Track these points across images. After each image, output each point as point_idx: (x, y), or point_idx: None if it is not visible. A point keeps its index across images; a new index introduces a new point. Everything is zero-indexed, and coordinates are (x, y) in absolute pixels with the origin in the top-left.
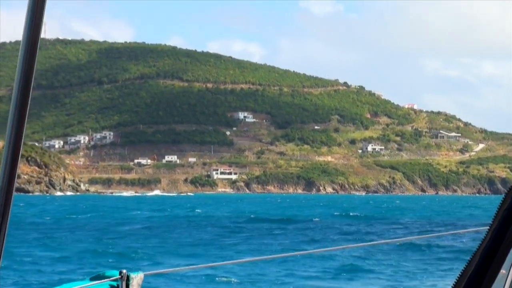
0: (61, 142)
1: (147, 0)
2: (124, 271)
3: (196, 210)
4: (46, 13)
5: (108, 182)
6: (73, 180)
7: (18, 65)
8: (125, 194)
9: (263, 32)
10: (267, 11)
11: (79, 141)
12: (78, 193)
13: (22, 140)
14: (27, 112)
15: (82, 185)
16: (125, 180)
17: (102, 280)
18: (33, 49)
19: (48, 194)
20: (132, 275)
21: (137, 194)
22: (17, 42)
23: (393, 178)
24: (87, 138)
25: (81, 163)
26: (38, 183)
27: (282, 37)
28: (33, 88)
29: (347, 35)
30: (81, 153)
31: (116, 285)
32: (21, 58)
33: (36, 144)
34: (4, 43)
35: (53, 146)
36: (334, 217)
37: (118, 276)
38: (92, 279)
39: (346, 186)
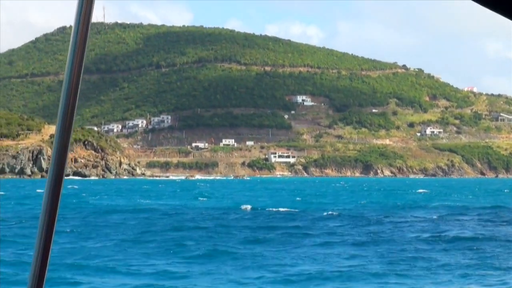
0: (119, 126)
1: None
2: None
3: (199, 199)
4: None
5: (165, 166)
6: (129, 164)
7: (69, 53)
8: (175, 178)
9: (322, 14)
10: None
11: (137, 125)
12: (133, 177)
13: (72, 128)
14: (77, 101)
15: (138, 169)
16: (183, 164)
17: None
18: (84, 38)
19: (104, 178)
20: None
21: (191, 178)
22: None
23: (452, 161)
24: (145, 122)
25: (139, 147)
26: (94, 167)
27: (340, 19)
28: (92, 72)
29: (406, 17)
30: (139, 137)
31: None
32: (72, 47)
33: (95, 128)
34: (64, 27)
35: (112, 130)
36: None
37: None
38: None
39: (404, 169)
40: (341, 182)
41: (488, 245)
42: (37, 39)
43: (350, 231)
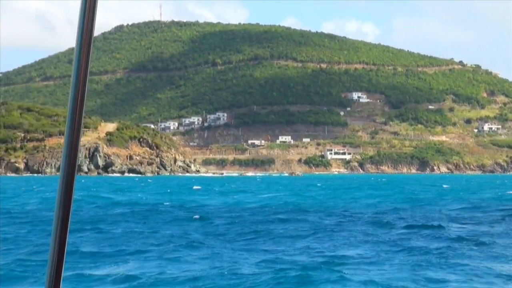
0: (176, 124)
1: None
2: None
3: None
4: None
5: (222, 163)
6: (184, 161)
7: (75, 52)
8: (229, 174)
9: (377, 11)
10: None
11: (193, 123)
12: (188, 174)
13: (82, 125)
14: (85, 103)
15: (192, 166)
16: (239, 161)
17: None
18: (88, 40)
19: (159, 175)
20: None
21: (245, 175)
22: (133, 25)
23: (511, 157)
24: (201, 119)
25: (195, 144)
26: (149, 164)
27: (396, 16)
28: (149, 70)
29: (463, 13)
30: (195, 135)
31: None
32: (77, 49)
33: (152, 125)
34: (121, 26)
35: (168, 127)
36: None
37: None
38: None
39: (461, 165)
40: (371, 179)
41: None
42: (95, 38)
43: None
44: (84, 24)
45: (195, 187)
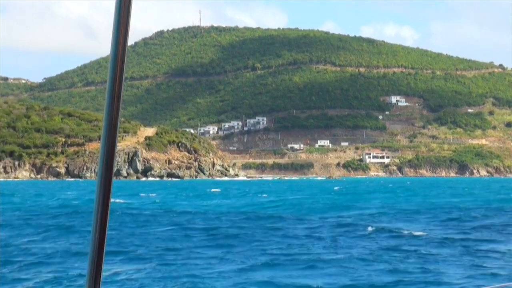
0: (215, 128)
1: None
2: None
3: (263, 195)
4: (202, 1)
5: (261, 167)
6: (222, 165)
7: (111, 55)
8: (268, 178)
9: (415, 15)
10: None
11: (233, 127)
12: (226, 178)
13: (118, 129)
14: (120, 107)
15: (231, 169)
16: (278, 165)
17: None
18: (123, 45)
19: (197, 179)
20: None
21: (283, 179)
22: (173, 31)
23: None
24: (240, 124)
25: (235, 148)
26: (188, 168)
27: (434, 20)
28: (189, 75)
29: (503, 16)
30: (235, 139)
31: None
32: (113, 49)
33: (192, 130)
34: (161, 32)
35: (208, 132)
36: None
37: None
38: None
39: (502, 169)
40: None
41: None
42: (136, 44)
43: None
44: (119, 30)
45: (213, 190)
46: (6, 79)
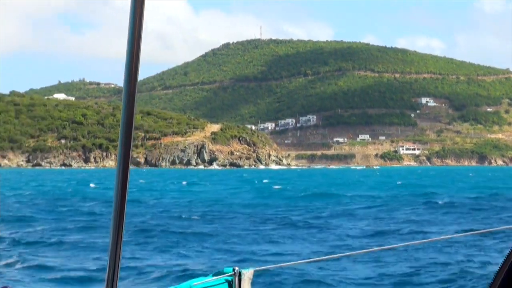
0: (273, 125)
1: (345, 1)
2: (237, 268)
3: (274, 187)
4: (261, 16)
5: (311, 158)
6: (277, 156)
7: (125, 67)
8: (316, 167)
9: (443, 28)
10: (447, 10)
11: (287, 124)
12: (280, 167)
13: (134, 123)
14: (135, 109)
15: (284, 159)
16: (326, 156)
17: (219, 276)
18: (138, 39)
19: (252, 168)
20: (244, 271)
21: (329, 167)
22: (238, 43)
23: None
24: (294, 121)
25: (289, 142)
26: (247, 158)
27: (459, 32)
28: (250, 80)
29: None
30: (289, 134)
31: (230, 280)
32: (128, 49)
33: (253, 126)
34: (228, 44)
35: (266, 128)
36: None
37: (232, 273)
38: (214, 275)
39: None
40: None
41: None
42: (206, 54)
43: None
44: (134, 28)
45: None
46: (98, 83)
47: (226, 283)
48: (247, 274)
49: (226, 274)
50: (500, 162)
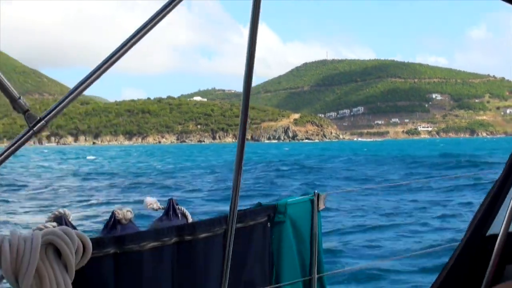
0: (335, 113)
1: (381, 31)
2: (316, 191)
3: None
4: (326, 44)
5: (359, 134)
6: (336, 133)
7: (246, 56)
8: (360, 140)
9: (447, 50)
10: (450, 37)
11: (344, 113)
12: (336, 139)
13: (248, 113)
14: (249, 108)
15: (340, 135)
16: (369, 133)
17: (305, 196)
18: (251, 62)
19: (320, 141)
20: (321, 194)
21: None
22: (312, 62)
23: None
24: (348, 111)
25: (346, 124)
26: (317, 135)
27: (457, 51)
28: (321, 86)
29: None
30: (346, 119)
31: (312, 199)
32: (248, 51)
33: (321, 115)
34: (306, 63)
35: (331, 116)
36: None
37: (312, 195)
38: (301, 195)
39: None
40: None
41: None
42: (292, 69)
43: None
44: (252, 29)
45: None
46: (223, 90)
47: (309, 201)
48: (323, 196)
49: (309, 195)
50: (484, 134)
